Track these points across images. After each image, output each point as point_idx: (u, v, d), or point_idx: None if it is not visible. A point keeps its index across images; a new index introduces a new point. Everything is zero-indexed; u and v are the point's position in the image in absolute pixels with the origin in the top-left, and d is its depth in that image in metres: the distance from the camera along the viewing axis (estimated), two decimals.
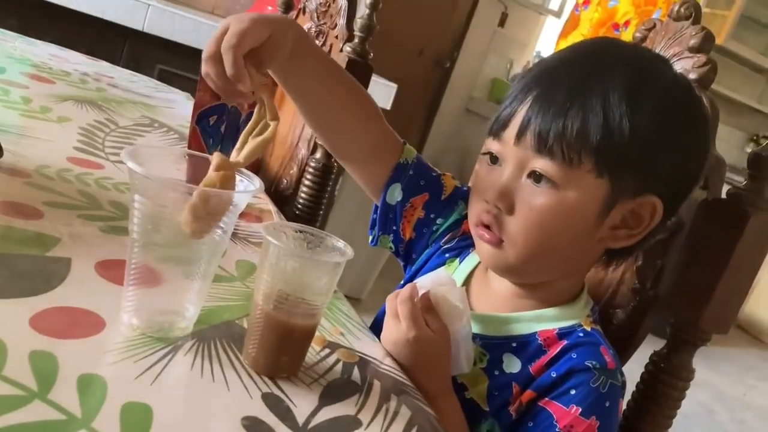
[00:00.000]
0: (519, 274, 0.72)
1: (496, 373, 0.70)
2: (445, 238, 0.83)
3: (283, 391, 0.52)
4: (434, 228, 0.84)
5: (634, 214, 0.67)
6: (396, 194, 0.82)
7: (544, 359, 0.68)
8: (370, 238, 0.86)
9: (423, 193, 0.83)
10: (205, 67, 0.64)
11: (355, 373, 0.58)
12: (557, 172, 0.64)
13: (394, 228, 0.84)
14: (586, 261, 0.72)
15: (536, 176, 0.65)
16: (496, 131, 0.69)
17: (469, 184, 0.80)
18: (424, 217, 0.83)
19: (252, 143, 0.58)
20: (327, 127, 0.82)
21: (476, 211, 0.70)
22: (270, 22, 0.66)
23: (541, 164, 0.65)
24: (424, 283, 0.68)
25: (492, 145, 0.70)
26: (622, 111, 0.62)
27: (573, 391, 0.65)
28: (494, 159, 0.70)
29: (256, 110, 0.60)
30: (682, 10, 0.79)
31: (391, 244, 0.86)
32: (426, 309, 0.66)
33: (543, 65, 0.70)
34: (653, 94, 0.65)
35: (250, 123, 0.60)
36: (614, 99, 0.63)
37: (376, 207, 0.85)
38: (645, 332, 0.78)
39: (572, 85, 0.64)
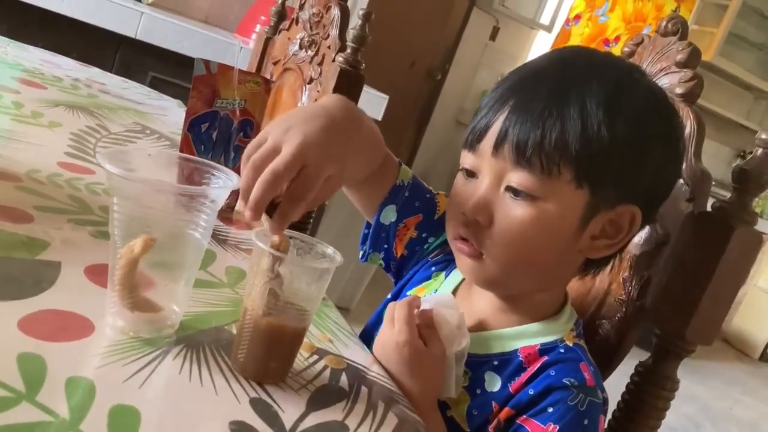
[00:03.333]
0: (500, 287, 0.71)
1: (478, 391, 0.69)
2: (434, 253, 0.83)
3: (270, 397, 0.52)
4: (425, 246, 0.84)
5: (613, 224, 0.67)
6: (390, 215, 0.82)
7: (524, 377, 0.67)
8: (361, 253, 0.85)
9: (417, 214, 0.82)
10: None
11: (343, 380, 0.58)
12: (535, 184, 0.63)
13: (386, 246, 0.83)
14: (566, 271, 0.72)
15: (514, 191, 0.64)
16: (472, 143, 0.68)
17: None
18: (416, 237, 0.83)
19: None
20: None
21: (454, 224, 0.70)
22: (340, 155, 0.65)
23: (519, 178, 0.64)
24: (427, 301, 0.68)
25: (467, 158, 0.69)
26: (600, 120, 0.62)
27: (550, 409, 0.64)
28: (470, 173, 0.69)
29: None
30: (670, 26, 0.80)
31: (382, 261, 0.85)
32: (426, 326, 0.65)
33: (518, 75, 0.69)
34: (630, 102, 0.65)
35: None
36: (592, 108, 0.62)
37: (368, 222, 0.84)
38: (631, 343, 0.78)
39: (549, 94, 0.64)
